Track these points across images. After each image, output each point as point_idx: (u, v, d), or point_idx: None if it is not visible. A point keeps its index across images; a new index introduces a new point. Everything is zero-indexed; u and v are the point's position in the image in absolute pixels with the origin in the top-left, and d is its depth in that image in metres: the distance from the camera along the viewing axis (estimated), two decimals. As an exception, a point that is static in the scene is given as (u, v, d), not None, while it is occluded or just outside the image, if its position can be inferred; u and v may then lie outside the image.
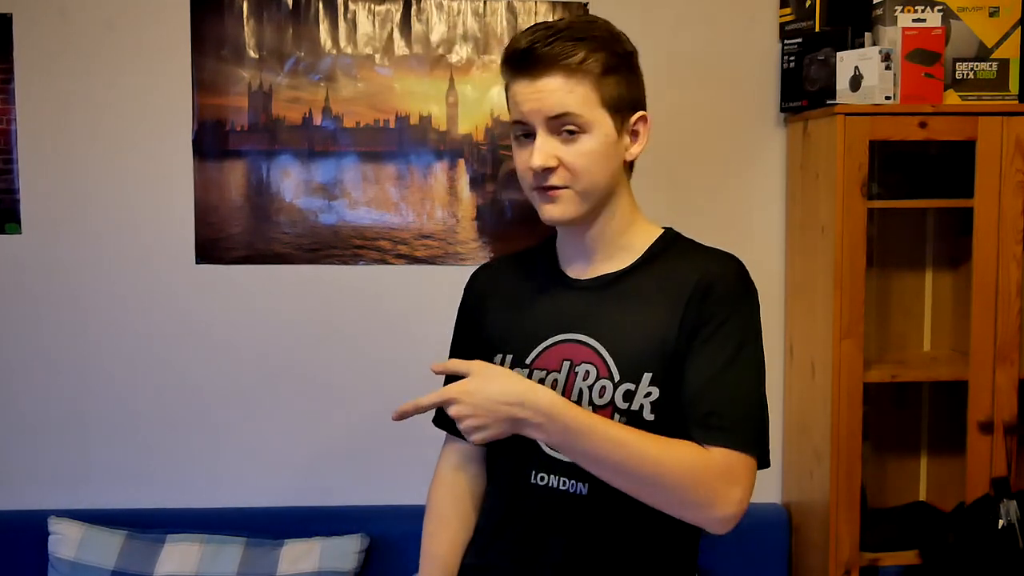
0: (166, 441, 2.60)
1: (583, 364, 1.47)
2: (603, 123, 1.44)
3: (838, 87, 2.40)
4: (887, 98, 2.33)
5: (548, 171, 1.43)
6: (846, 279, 2.35)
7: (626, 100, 1.47)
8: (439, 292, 2.62)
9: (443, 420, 1.66)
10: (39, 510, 2.51)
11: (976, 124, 2.35)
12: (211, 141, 2.56)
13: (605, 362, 1.46)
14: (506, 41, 2.59)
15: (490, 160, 2.62)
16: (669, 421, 1.42)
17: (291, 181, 2.59)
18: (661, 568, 1.51)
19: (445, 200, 2.62)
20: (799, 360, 2.59)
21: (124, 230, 2.56)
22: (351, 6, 2.57)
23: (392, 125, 2.60)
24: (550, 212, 1.46)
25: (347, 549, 2.45)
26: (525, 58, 1.41)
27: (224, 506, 2.59)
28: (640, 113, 1.50)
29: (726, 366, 1.41)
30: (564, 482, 1.47)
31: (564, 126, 1.42)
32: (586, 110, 1.42)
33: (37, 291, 2.56)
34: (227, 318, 2.60)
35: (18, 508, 2.54)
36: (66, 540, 2.41)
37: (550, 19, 2.58)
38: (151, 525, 2.48)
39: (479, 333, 1.61)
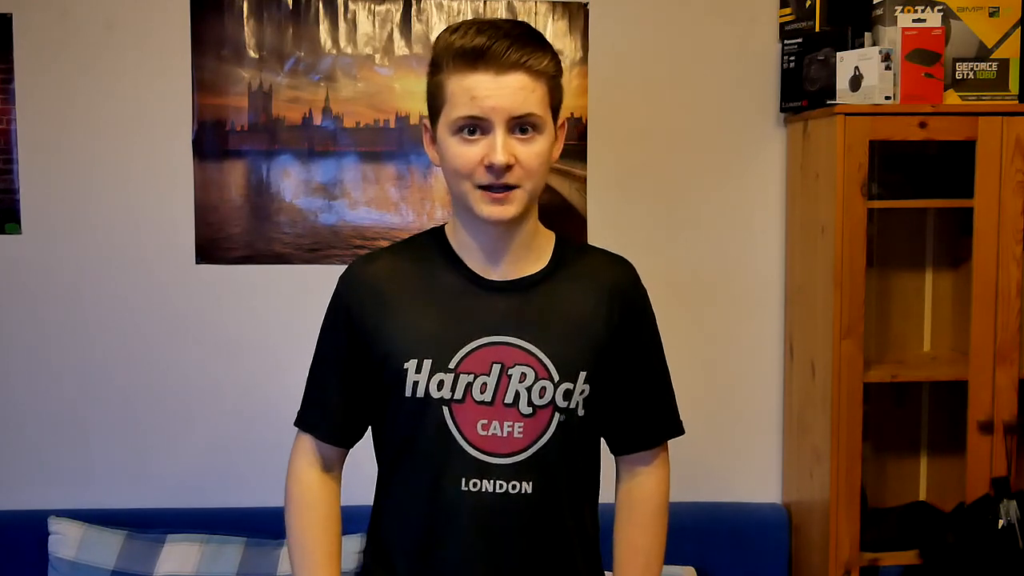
0: (166, 441, 2.60)
1: (517, 366, 1.47)
2: (550, 125, 1.47)
3: (838, 87, 2.40)
4: (887, 98, 2.33)
5: (506, 170, 1.41)
6: (846, 279, 2.35)
7: (560, 104, 1.50)
8: (439, 292, 2.62)
9: (307, 421, 1.66)
10: (39, 510, 2.51)
11: (976, 124, 2.35)
12: (211, 141, 2.56)
13: (543, 364, 1.48)
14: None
15: (490, 160, 2.61)
16: (595, 415, 1.55)
17: (291, 181, 2.59)
18: (595, 555, 1.62)
19: (445, 200, 2.62)
20: (799, 360, 2.59)
21: (124, 230, 2.56)
22: (351, 6, 2.57)
23: (392, 125, 2.60)
24: (499, 212, 1.43)
25: (347, 549, 2.44)
26: (488, 54, 1.39)
27: (224, 506, 2.59)
28: (563, 118, 1.53)
29: (662, 371, 1.64)
30: (501, 485, 1.47)
31: (522, 126, 1.42)
32: (543, 110, 1.44)
33: (37, 291, 2.56)
34: (227, 318, 2.60)
35: (18, 508, 2.54)
36: (66, 540, 2.41)
37: (547, 20, 2.59)
38: (151, 525, 2.48)
39: (373, 336, 1.51)
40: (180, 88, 2.55)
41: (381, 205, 2.61)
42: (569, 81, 2.60)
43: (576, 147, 2.62)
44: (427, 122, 1.51)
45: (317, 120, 2.58)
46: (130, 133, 2.55)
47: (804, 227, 2.55)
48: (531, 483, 1.48)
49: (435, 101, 1.46)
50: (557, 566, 1.54)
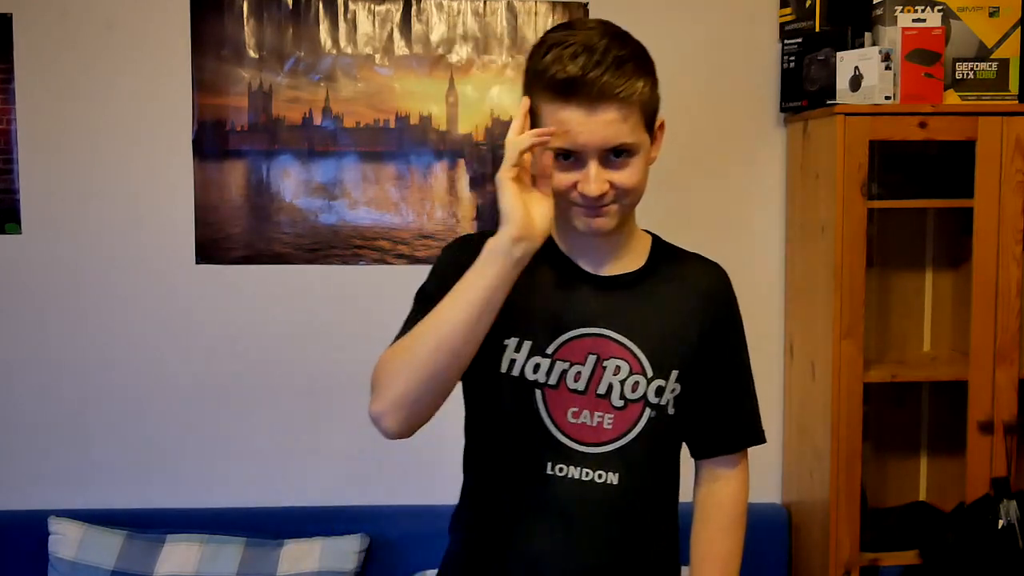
0: (166, 441, 2.60)
1: (612, 359, 1.49)
2: (645, 141, 1.46)
3: (838, 87, 2.40)
4: (887, 98, 2.33)
5: (600, 197, 1.42)
6: (846, 279, 2.35)
7: (656, 109, 1.49)
8: (439, 292, 2.62)
9: None
10: (39, 510, 2.51)
11: (976, 124, 2.35)
12: (211, 141, 2.56)
13: (638, 359, 1.50)
14: (507, 41, 2.59)
15: (490, 160, 2.62)
16: (684, 415, 1.55)
17: (291, 181, 2.59)
18: (674, 553, 1.62)
19: (445, 200, 2.62)
20: (799, 360, 2.59)
21: (124, 230, 2.56)
22: (351, 6, 2.57)
23: (392, 125, 2.60)
24: (596, 225, 1.45)
25: (347, 549, 2.45)
26: (579, 87, 1.37)
27: (224, 506, 2.59)
28: (661, 119, 1.51)
29: (747, 378, 1.64)
30: (587, 473, 1.49)
31: (616, 152, 1.41)
32: (636, 135, 1.42)
33: (37, 291, 2.56)
34: (227, 318, 2.60)
35: (18, 508, 2.54)
36: (66, 540, 2.41)
37: (547, 20, 2.59)
38: (151, 525, 2.48)
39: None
40: (180, 88, 2.55)
41: (381, 205, 2.61)
42: (569, 81, 2.61)
43: (576, 147, 2.62)
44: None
45: (317, 120, 2.58)
46: (130, 133, 2.55)
47: (804, 227, 2.55)
48: (616, 474, 1.49)
49: (537, 118, 1.44)
50: (635, 558, 1.55)
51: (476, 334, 1.38)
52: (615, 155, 1.41)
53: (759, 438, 1.65)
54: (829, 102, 2.42)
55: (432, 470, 2.66)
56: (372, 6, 2.58)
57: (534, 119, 1.43)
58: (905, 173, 2.51)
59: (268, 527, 2.51)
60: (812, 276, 2.50)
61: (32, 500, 2.55)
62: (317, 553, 2.42)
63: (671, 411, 1.52)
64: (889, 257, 2.69)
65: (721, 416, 1.61)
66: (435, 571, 2.45)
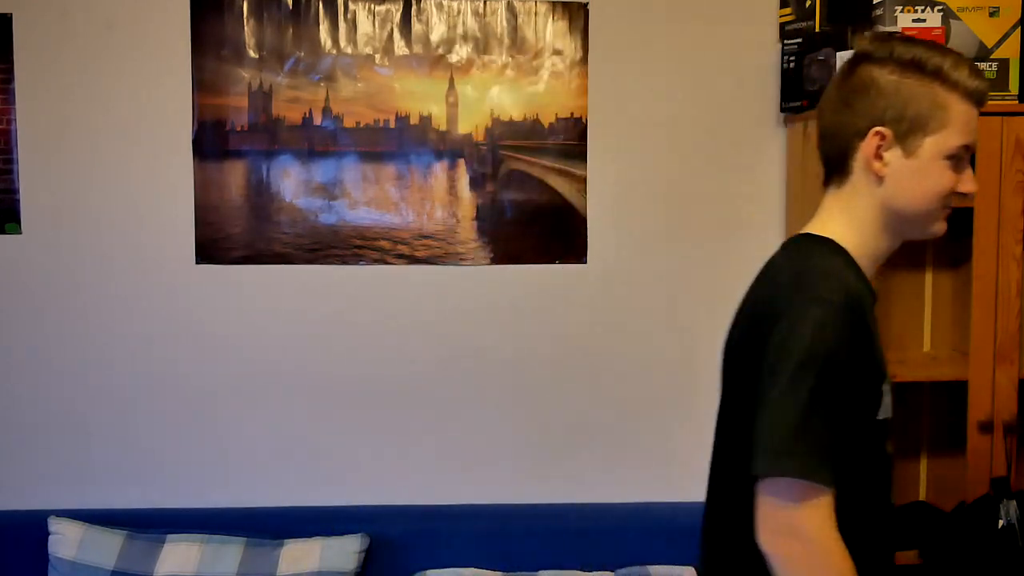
0: (166, 441, 2.60)
1: None
2: None
3: (838, 87, 2.40)
4: (887, 98, 2.33)
5: None
6: (846, 279, 2.35)
7: None
8: (439, 292, 2.62)
9: (823, 473, 1.40)
10: (39, 510, 2.51)
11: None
12: (211, 141, 2.56)
13: None
14: (507, 41, 2.59)
15: (490, 160, 2.62)
16: None
17: (291, 181, 2.59)
18: None
19: (445, 200, 2.62)
20: (799, 360, 2.59)
21: (124, 230, 2.56)
22: (351, 6, 2.57)
23: (392, 125, 2.60)
24: (944, 228, 1.57)
25: (347, 549, 2.45)
26: (984, 99, 1.48)
27: (224, 506, 2.59)
28: None
29: None
30: None
31: None
32: None
33: (37, 291, 2.56)
34: (227, 318, 2.60)
35: (18, 508, 2.55)
36: (66, 540, 2.41)
37: (547, 20, 2.59)
38: (151, 525, 2.48)
39: (867, 362, 1.48)
40: (180, 88, 2.55)
41: (381, 205, 2.61)
42: (569, 81, 2.61)
43: (576, 147, 2.62)
44: (886, 131, 1.46)
45: (317, 120, 2.58)
46: (130, 133, 2.55)
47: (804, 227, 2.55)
48: None
49: (928, 118, 1.45)
50: None
51: None
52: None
53: None
54: (829, 102, 2.41)
55: (432, 470, 2.66)
56: (372, 6, 2.58)
57: (936, 122, 1.46)
58: (905, 173, 2.51)
59: (268, 527, 2.51)
60: (812, 276, 2.50)
61: (32, 500, 2.55)
62: (317, 553, 2.42)
63: None
64: (889, 257, 2.69)
65: None
66: (435, 571, 2.48)
